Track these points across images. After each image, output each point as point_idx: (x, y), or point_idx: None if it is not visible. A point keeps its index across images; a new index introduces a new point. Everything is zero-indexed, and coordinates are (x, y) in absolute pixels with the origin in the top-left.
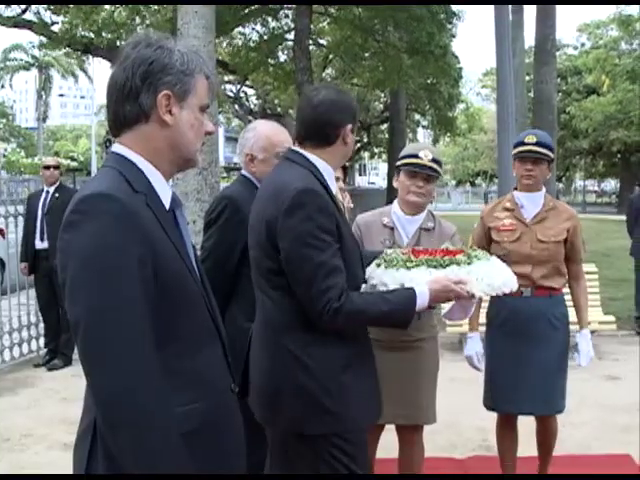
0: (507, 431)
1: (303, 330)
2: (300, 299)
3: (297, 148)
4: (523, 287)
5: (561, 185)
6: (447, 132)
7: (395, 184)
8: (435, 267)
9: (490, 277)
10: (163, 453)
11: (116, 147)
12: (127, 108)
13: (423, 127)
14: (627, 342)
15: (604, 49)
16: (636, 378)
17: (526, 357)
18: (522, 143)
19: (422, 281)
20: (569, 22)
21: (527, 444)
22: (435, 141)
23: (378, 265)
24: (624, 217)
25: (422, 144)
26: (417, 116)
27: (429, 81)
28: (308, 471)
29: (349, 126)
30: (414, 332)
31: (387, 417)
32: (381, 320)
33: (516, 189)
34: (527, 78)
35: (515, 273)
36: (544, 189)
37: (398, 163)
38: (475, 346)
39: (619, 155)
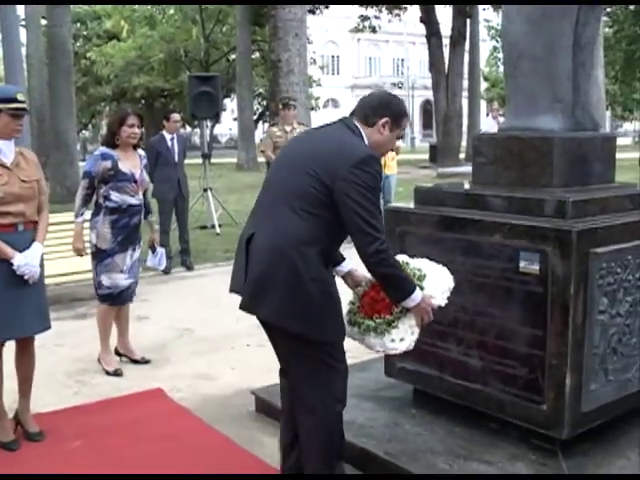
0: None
1: (321, 248)
2: (355, 225)
3: (354, 120)
4: (19, 223)
5: (88, 133)
6: None
7: None
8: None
9: (439, 285)
10: None
11: None
12: None
13: None
14: (153, 282)
15: None
16: (164, 317)
17: (22, 280)
18: (15, 100)
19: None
20: None
21: None
22: None
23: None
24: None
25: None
26: None
27: None
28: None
29: (385, 119)
30: None
31: None
32: (396, 279)
33: None
34: (44, 22)
35: (11, 212)
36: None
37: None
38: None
39: (143, 101)
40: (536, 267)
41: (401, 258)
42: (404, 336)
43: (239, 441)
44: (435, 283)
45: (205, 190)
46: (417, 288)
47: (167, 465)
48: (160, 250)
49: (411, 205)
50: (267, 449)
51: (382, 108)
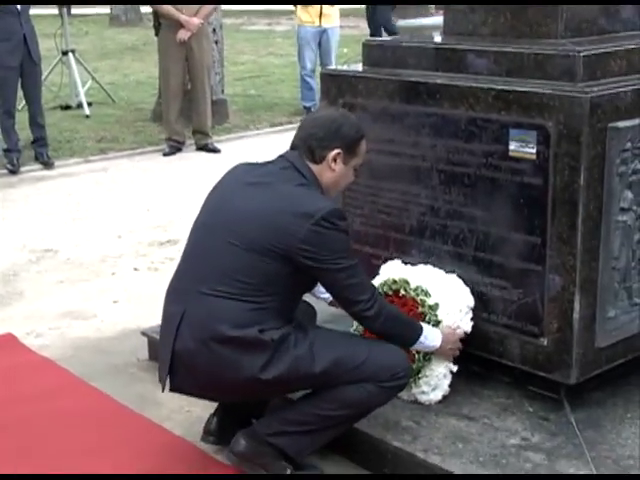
0: None
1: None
2: (340, 297)
3: (302, 159)
4: None
5: None
6: None
7: None
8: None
9: (458, 305)
10: None
11: None
12: None
13: None
14: None
15: None
16: (12, 234)
17: None
18: None
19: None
20: None
21: None
22: None
23: None
24: None
25: None
26: None
27: None
28: None
29: (336, 151)
30: None
31: None
32: (402, 324)
33: None
34: None
35: None
36: None
37: None
38: None
39: None
40: (532, 150)
41: (397, 272)
42: (437, 383)
43: (126, 400)
44: (454, 306)
45: (65, 53)
46: (431, 329)
47: (22, 443)
48: None
49: (359, 67)
50: (165, 409)
51: (330, 138)
